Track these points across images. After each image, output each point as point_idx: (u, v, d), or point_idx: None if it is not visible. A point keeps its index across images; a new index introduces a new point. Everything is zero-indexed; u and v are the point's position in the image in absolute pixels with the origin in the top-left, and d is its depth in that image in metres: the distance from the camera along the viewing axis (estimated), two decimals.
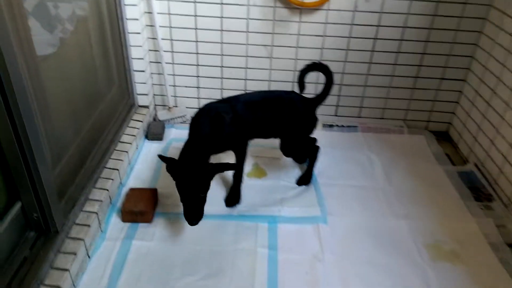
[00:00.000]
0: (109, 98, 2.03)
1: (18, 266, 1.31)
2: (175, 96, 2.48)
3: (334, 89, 1.82)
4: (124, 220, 1.72)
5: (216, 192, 1.93)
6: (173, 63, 2.36)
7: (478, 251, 1.69)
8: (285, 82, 2.37)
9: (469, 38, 2.22)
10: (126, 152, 1.99)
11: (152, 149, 2.23)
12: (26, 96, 1.21)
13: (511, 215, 1.86)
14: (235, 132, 1.71)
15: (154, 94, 2.48)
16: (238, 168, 1.84)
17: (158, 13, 2.18)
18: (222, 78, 2.39)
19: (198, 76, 2.40)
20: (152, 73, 2.39)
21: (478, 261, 1.64)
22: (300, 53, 2.29)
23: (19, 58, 1.19)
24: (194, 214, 1.54)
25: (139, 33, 2.13)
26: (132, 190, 1.82)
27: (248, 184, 1.96)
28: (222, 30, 2.24)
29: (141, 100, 2.36)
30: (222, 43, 2.28)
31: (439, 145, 2.40)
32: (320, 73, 1.86)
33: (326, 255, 1.63)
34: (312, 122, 1.89)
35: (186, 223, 1.72)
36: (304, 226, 1.77)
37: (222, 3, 2.16)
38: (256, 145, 2.08)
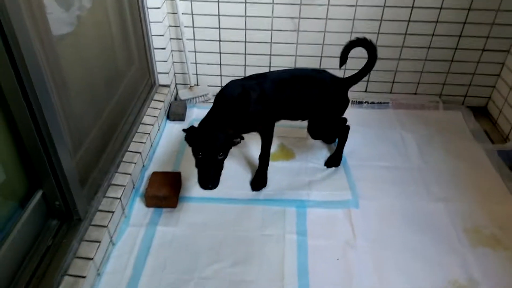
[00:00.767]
0: (129, 78, 1.96)
1: (41, 256, 1.28)
2: (196, 74, 2.39)
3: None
4: (148, 205, 1.67)
5: (241, 175, 1.86)
6: (194, 39, 2.25)
7: None
8: (312, 56, 2.24)
9: None
10: (148, 134, 1.93)
11: (174, 130, 2.17)
12: (42, 78, 1.15)
13: None
14: (261, 111, 1.61)
15: (175, 73, 2.39)
16: (264, 149, 1.76)
17: None
18: (245, 54, 2.28)
19: (220, 53, 2.29)
20: (172, 51, 2.29)
21: None
22: (330, 25, 2.14)
23: (34, 38, 1.12)
24: (209, 178, 1.44)
25: (158, 7, 2.03)
26: (155, 174, 1.76)
27: (275, 167, 1.88)
28: (246, 2, 2.11)
29: (161, 79, 2.28)
30: (246, 16, 2.15)
31: (477, 121, 2.25)
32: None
33: (359, 241, 1.55)
34: (343, 104, 1.77)
35: (212, 207, 1.67)
36: (334, 210, 1.68)
37: None
38: (282, 125, 1.99)
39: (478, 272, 1.44)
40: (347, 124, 1.90)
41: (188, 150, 1.87)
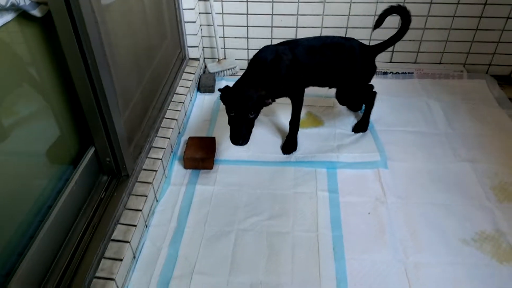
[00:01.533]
0: (163, 50, 2.05)
1: (95, 206, 1.39)
2: (224, 48, 2.46)
3: (391, 33, 1.73)
4: (186, 166, 1.77)
5: (272, 141, 1.94)
6: (222, 13, 2.32)
7: None
8: (338, 28, 2.29)
9: None
10: (182, 103, 2.02)
11: (205, 101, 2.26)
12: (101, 42, 1.23)
13: None
14: (292, 75, 1.68)
15: (204, 47, 2.47)
16: (294, 114, 1.83)
17: None
18: (272, 27, 2.34)
19: (247, 26, 2.36)
20: (201, 25, 2.37)
21: None
22: None
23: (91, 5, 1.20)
24: (240, 134, 1.52)
25: None
26: (192, 138, 1.85)
27: (304, 133, 1.95)
28: None
29: (191, 53, 2.37)
30: None
31: (501, 89, 2.27)
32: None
33: (389, 198, 1.62)
34: (370, 70, 1.82)
35: (246, 169, 1.76)
36: (364, 170, 1.75)
37: None
38: (310, 95, 2.05)
39: (505, 224, 1.50)
40: (373, 90, 1.96)
41: (220, 118, 1.97)
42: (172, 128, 1.84)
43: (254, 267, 1.38)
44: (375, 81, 2.16)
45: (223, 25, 2.37)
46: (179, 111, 1.96)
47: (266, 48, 1.69)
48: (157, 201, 1.61)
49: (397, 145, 1.89)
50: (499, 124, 2.01)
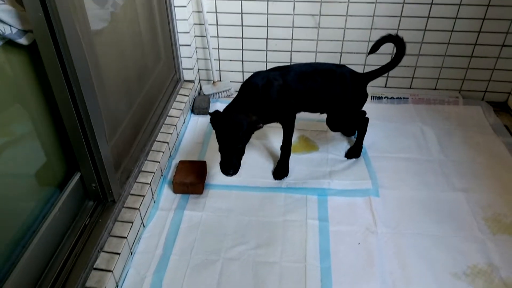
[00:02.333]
0: (156, 73, 2.05)
1: (79, 233, 1.37)
2: (219, 71, 2.47)
3: (386, 59, 1.73)
4: (175, 191, 1.75)
5: (263, 166, 1.92)
6: (217, 37, 2.34)
7: None
8: (332, 53, 2.30)
9: None
10: (175, 125, 2.02)
11: (198, 123, 2.25)
12: (86, 67, 1.23)
13: None
14: (283, 101, 1.68)
15: (199, 69, 2.48)
16: (285, 139, 1.81)
17: None
18: (267, 50, 2.35)
19: (242, 49, 2.37)
20: (197, 48, 2.38)
21: None
22: (350, 22, 2.20)
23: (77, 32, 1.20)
24: (230, 164, 1.53)
25: (184, 6, 2.12)
26: (182, 162, 1.84)
27: (296, 158, 1.94)
28: (268, 0, 2.18)
29: (186, 75, 2.37)
30: (268, 14, 2.23)
31: (497, 116, 2.26)
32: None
33: (379, 227, 1.59)
34: (361, 98, 1.82)
35: (236, 194, 1.74)
36: (355, 198, 1.73)
37: None
38: (303, 119, 2.04)
39: (498, 258, 1.47)
40: (366, 116, 1.95)
41: (212, 142, 1.96)
42: (163, 152, 1.83)
43: None
44: (370, 106, 2.17)
45: (218, 48, 2.38)
46: (171, 134, 1.95)
47: (257, 73, 1.69)
48: (144, 226, 1.59)
49: (390, 172, 1.87)
50: (494, 153, 1.99)
